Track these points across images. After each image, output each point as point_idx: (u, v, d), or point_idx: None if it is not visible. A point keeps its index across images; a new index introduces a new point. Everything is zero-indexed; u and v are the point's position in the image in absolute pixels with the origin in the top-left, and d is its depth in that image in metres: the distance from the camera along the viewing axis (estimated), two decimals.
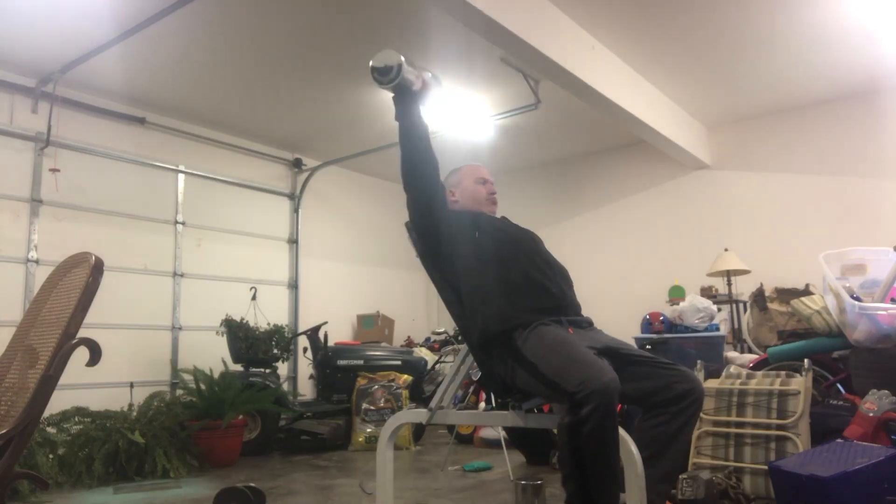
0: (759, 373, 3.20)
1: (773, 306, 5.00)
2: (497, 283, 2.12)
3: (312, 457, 4.57)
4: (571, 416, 1.71)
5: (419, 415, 2.25)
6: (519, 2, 3.75)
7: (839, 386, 3.47)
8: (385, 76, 2.10)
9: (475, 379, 3.93)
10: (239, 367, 4.94)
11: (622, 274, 6.47)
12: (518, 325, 2.02)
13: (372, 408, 4.94)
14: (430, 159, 2.15)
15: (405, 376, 5.12)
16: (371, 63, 2.11)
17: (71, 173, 4.80)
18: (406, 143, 2.14)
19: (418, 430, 5.03)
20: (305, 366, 5.76)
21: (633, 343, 4.44)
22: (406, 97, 2.15)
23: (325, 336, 5.17)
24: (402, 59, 2.08)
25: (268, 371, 5.05)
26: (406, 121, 2.14)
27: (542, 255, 2.26)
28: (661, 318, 4.66)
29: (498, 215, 2.45)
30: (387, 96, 5.36)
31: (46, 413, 3.60)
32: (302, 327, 5.81)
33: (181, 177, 5.57)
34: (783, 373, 3.06)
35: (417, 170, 2.14)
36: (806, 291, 4.75)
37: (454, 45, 4.32)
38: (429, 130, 2.18)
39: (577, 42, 4.31)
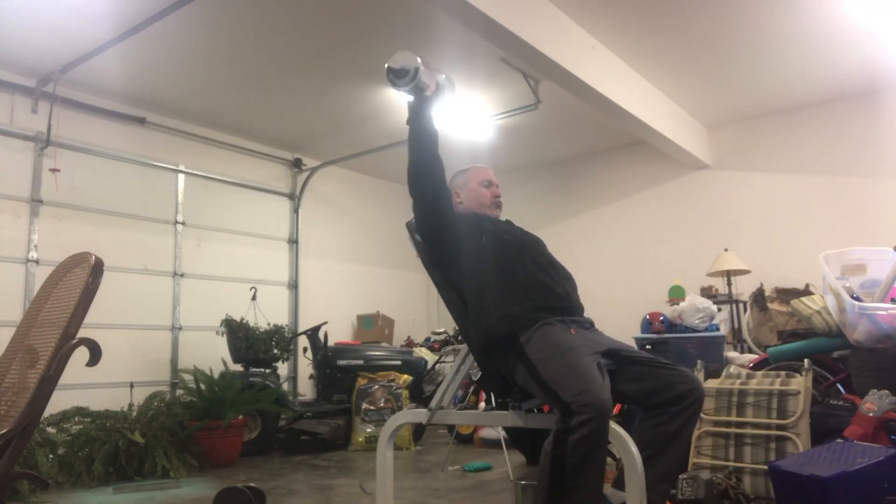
0: (759, 373, 3.20)
1: (773, 306, 5.00)
2: (502, 286, 2.11)
3: (312, 457, 4.57)
4: (562, 423, 1.72)
5: (419, 415, 2.25)
6: (519, 2, 3.75)
7: (839, 386, 3.47)
8: (401, 78, 2.08)
9: (475, 379, 3.93)
10: (239, 367, 4.94)
11: (622, 274, 6.47)
12: (523, 327, 2.02)
13: (372, 408, 4.93)
14: (438, 165, 2.15)
15: (405, 376, 5.12)
16: (387, 64, 2.09)
17: (71, 173, 4.80)
18: (416, 148, 2.13)
19: (418, 430, 5.03)
20: (305, 366, 5.76)
21: (633, 343, 4.45)
22: (420, 101, 2.13)
23: (325, 336, 5.17)
24: (419, 61, 2.05)
25: (268, 371, 5.05)
26: (418, 125, 2.13)
27: (546, 258, 2.26)
28: (661, 318, 4.66)
29: (502, 218, 2.45)
30: (387, 97, 5.36)
31: (46, 413, 3.60)
32: (302, 327, 5.81)
33: (181, 177, 5.57)
34: (783, 373, 3.06)
35: (426, 175, 2.14)
36: (806, 291, 4.75)
37: (454, 45, 4.32)
38: (438, 136, 2.17)
39: (577, 42, 4.31)
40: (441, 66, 2.25)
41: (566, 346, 1.93)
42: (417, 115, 2.13)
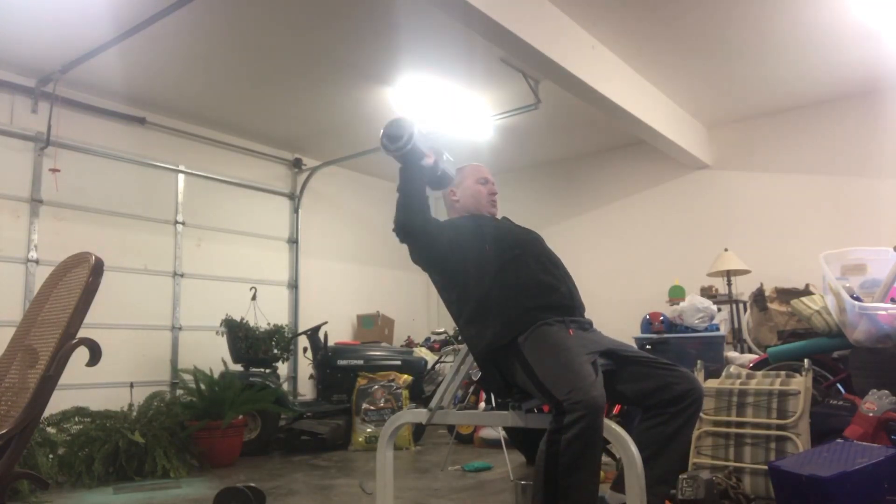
0: (759, 373, 3.20)
1: (773, 306, 4.99)
2: (506, 291, 2.10)
3: (312, 457, 4.57)
4: (555, 423, 1.73)
5: (419, 415, 2.25)
6: (519, 2, 3.75)
7: (839, 386, 3.47)
8: (393, 143, 2.06)
9: (475, 379, 3.93)
10: (239, 367, 4.94)
11: (622, 274, 6.47)
12: (523, 329, 2.02)
13: (372, 408, 4.93)
14: (429, 225, 2.13)
15: (405, 376, 5.12)
16: (383, 128, 2.07)
17: (71, 173, 4.80)
18: (403, 214, 2.10)
19: (418, 430, 5.03)
20: (305, 366, 5.76)
21: (633, 343, 4.45)
22: (412, 168, 2.10)
23: (325, 336, 5.17)
24: (415, 129, 2.03)
25: (268, 371, 5.05)
26: (407, 192, 2.10)
27: (547, 256, 2.26)
28: (661, 318, 4.66)
29: (499, 216, 2.45)
30: (386, 97, 5.35)
31: (46, 413, 3.60)
32: (302, 327, 5.81)
33: (181, 177, 5.57)
34: (783, 373, 3.06)
35: (414, 234, 2.13)
36: (806, 291, 4.74)
37: (454, 45, 4.32)
38: (428, 200, 2.14)
39: (577, 42, 4.31)
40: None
41: (562, 346, 1.93)
42: (408, 182, 2.10)
